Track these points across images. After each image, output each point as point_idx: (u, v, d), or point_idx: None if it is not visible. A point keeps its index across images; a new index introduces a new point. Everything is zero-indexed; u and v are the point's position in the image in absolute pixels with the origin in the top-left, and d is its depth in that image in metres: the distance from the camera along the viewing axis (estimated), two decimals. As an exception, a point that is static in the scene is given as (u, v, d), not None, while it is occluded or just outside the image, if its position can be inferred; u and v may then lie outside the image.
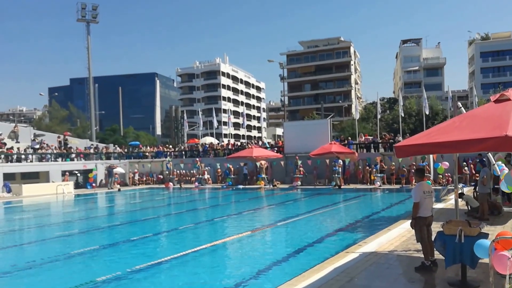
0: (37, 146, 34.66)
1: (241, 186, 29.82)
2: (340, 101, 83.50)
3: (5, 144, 33.29)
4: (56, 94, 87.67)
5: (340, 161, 27.43)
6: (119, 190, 31.37)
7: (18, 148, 33.21)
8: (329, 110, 72.26)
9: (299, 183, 28.47)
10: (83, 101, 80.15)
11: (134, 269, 8.58)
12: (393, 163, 27.09)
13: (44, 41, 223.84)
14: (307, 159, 28.78)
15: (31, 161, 32.48)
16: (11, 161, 31.05)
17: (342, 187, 26.48)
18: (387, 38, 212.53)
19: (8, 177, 29.81)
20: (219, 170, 33.27)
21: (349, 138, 34.07)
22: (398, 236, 10.05)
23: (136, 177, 35.86)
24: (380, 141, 30.83)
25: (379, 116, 34.33)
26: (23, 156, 32.34)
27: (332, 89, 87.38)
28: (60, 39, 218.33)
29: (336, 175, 27.05)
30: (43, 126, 63.05)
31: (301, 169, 28.91)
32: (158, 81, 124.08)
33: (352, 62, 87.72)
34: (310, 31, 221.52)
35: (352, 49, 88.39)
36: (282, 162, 30.69)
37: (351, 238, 11.10)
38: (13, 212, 21.97)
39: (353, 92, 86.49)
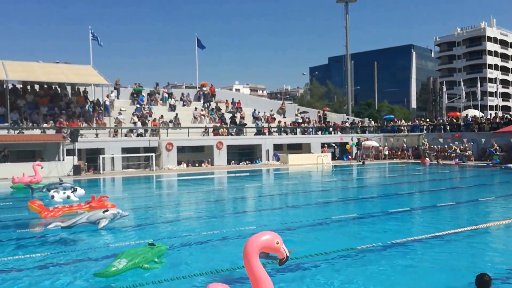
0: (301, 121, 38.49)
1: (511, 165, 26.00)
2: None
3: (274, 119, 38.22)
4: (316, 73, 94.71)
5: None
6: (363, 163, 31.88)
7: (285, 123, 37.60)
8: None
9: None
10: (340, 78, 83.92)
11: (394, 243, 8.57)
12: None
13: (307, 25, 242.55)
14: None
15: (296, 134, 36.36)
16: (280, 134, 35.51)
17: None
18: None
19: (277, 147, 34.27)
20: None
21: None
22: None
23: (386, 151, 35.68)
24: None
25: None
26: (288, 130, 36.48)
27: None
28: (320, 21, 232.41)
29: None
30: (305, 102, 69.15)
31: None
32: (414, 53, 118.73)
33: None
34: None
35: None
36: None
37: None
38: (281, 178, 25.19)
39: None
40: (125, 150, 28.46)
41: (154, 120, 32.09)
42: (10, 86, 30.25)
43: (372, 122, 43.80)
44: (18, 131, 26.33)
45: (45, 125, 27.79)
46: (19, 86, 31.83)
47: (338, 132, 38.03)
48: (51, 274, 6.95)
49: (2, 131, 25.93)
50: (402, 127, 39.22)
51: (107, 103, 31.88)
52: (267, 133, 34.82)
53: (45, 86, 32.26)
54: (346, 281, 6.47)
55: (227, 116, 36.18)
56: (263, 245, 4.31)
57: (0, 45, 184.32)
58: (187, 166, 30.09)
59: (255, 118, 37.18)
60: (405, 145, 35.16)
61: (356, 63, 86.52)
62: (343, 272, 6.87)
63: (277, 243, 4.36)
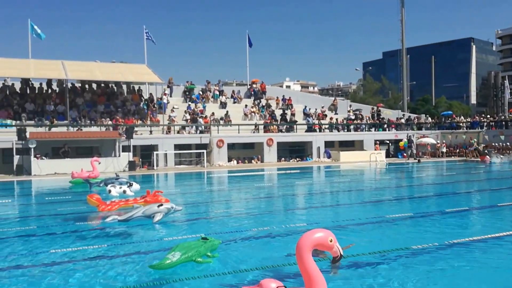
0: (353, 117, 37.67)
1: None
2: None
3: (326, 115, 37.65)
4: (370, 68, 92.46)
5: None
6: (418, 161, 30.65)
7: (336, 119, 36.95)
8: None
9: None
10: (395, 73, 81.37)
11: (452, 243, 8.15)
12: None
13: (360, 20, 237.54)
14: None
15: (348, 131, 35.62)
16: (331, 131, 34.94)
17: None
18: None
19: (328, 144, 33.72)
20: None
21: None
22: None
23: (444, 149, 34.11)
24: None
25: None
26: (340, 126, 35.82)
27: None
28: (374, 16, 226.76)
29: None
30: (358, 98, 67.63)
31: None
32: (474, 46, 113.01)
33: None
34: None
35: None
36: None
37: None
38: (333, 176, 24.77)
39: None
40: (177, 146, 29.12)
41: (205, 117, 32.58)
42: (70, 85, 31.79)
43: (429, 118, 42.13)
44: (77, 128, 27.61)
45: (109, 122, 28.98)
46: (78, 85, 33.36)
47: (393, 128, 36.87)
48: (109, 264, 7.16)
49: (62, 128, 27.34)
50: (461, 124, 37.46)
51: (165, 101, 32.76)
52: (318, 130, 34.36)
53: (102, 84, 33.62)
54: (399, 281, 6.17)
55: (278, 113, 36.06)
56: (316, 242, 4.28)
57: (61, 46, 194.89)
58: (237, 162, 30.29)
59: (306, 114, 36.80)
60: (472, 141, 33.24)
61: (412, 57, 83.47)
62: (396, 272, 6.56)
63: (331, 241, 4.32)
